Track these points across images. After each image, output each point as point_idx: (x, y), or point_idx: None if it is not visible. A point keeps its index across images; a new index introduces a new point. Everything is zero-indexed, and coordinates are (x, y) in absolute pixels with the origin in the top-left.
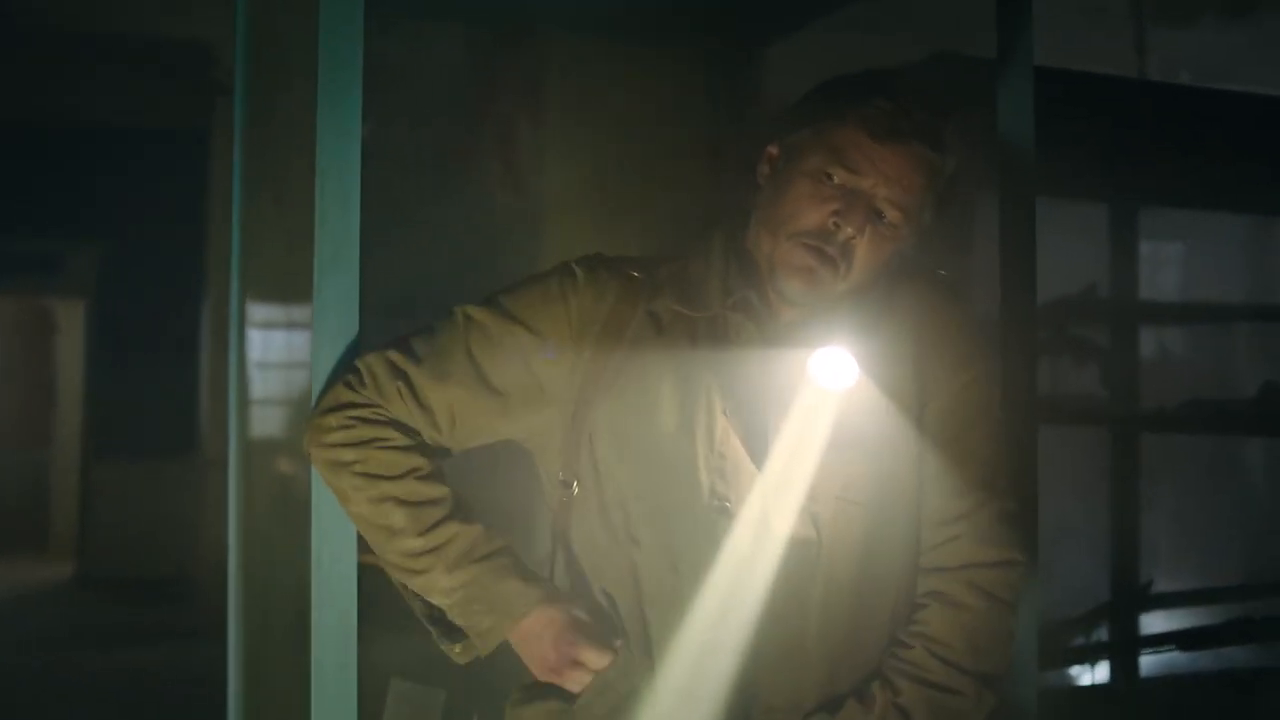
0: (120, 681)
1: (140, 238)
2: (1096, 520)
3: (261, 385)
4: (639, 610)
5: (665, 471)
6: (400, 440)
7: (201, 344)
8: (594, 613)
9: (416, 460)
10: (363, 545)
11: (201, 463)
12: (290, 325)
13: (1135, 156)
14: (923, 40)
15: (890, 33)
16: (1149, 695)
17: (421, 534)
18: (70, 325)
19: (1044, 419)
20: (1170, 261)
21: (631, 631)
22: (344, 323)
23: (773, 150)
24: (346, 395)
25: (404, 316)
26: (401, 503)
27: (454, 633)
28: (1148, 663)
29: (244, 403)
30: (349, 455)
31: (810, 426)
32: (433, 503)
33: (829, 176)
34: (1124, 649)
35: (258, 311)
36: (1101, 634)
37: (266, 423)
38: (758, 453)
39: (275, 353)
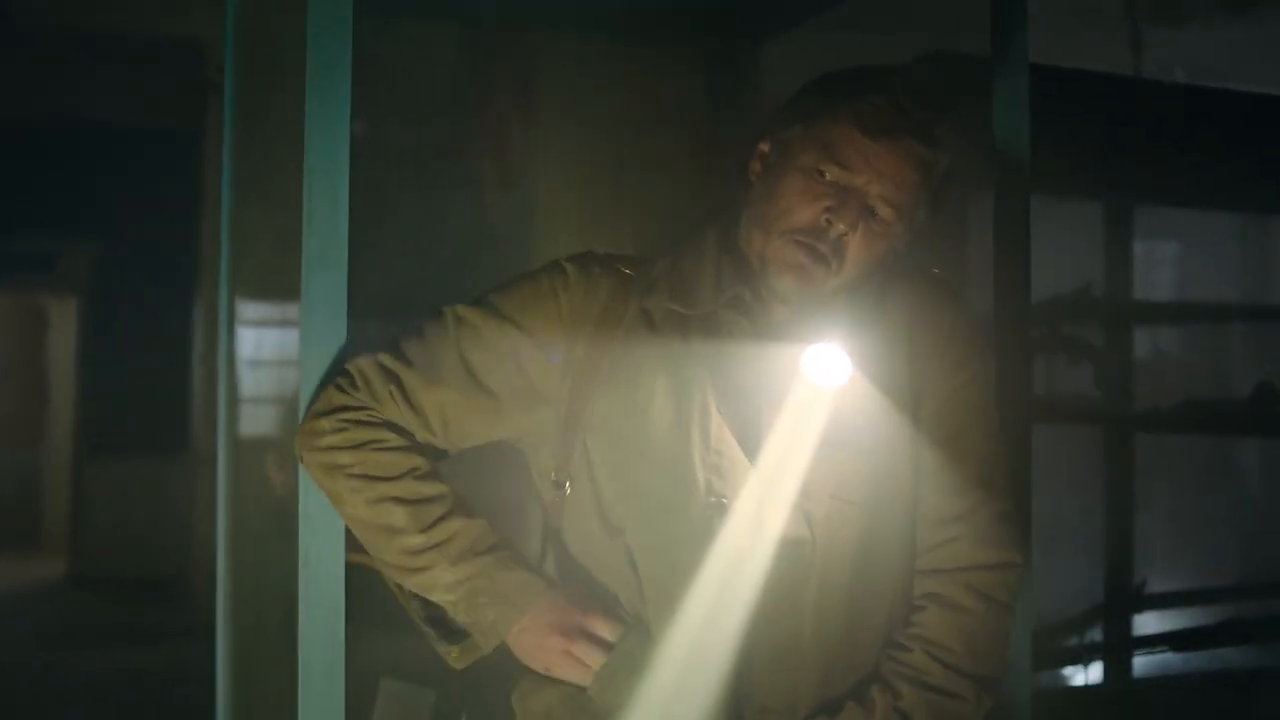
0: (111, 680)
1: (135, 236)
2: (1090, 520)
3: (250, 384)
4: (637, 607)
5: (661, 469)
6: (396, 441)
7: (195, 342)
8: (594, 599)
9: (414, 460)
10: (351, 544)
11: (194, 461)
12: (278, 324)
13: (1130, 155)
14: (919, 38)
15: (887, 31)
16: (1143, 696)
17: (423, 530)
18: (63, 322)
19: (1038, 418)
20: (1165, 260)
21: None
22: (332, 322)
23: (764, 147)
24: (339, 398)
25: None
26: (401, 501)
27: (453, 634)
28: (1142, 663)
29: (233, 401)
30: (345, 458)
31: (804, 424)
32: (433, 500)
33: (821, 173)
34: (1118, 650)
35: (247, 310)
36: (1095, 635)
37: (256, 421)
38: (752, 450)
39: (264, 352)
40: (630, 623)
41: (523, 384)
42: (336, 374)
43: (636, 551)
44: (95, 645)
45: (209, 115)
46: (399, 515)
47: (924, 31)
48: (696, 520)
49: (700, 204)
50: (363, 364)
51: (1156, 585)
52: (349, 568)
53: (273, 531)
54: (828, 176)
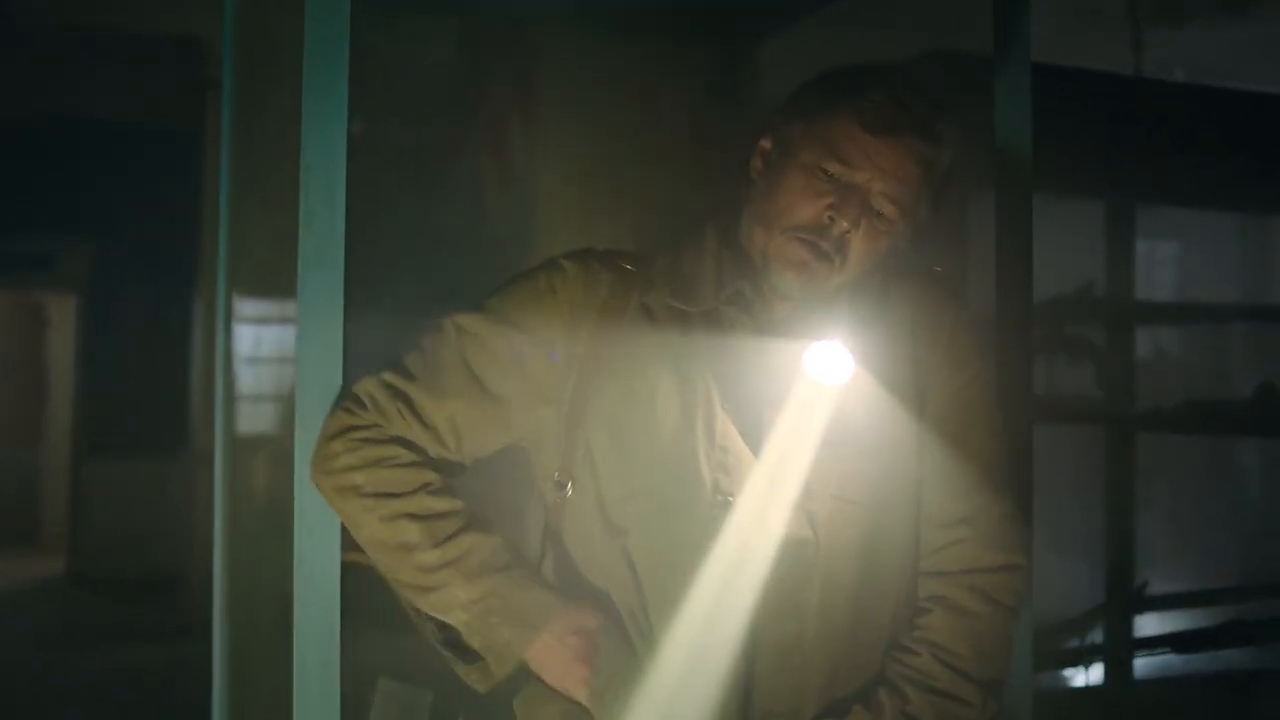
0: (108, 679)
1: (134, 235)
2: (1091, 521)
3: (247, 382)
4: (639, 609)
5: (665, 467)
6: (408, 457)
7: (194, 341)
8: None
9: (427, 475)
10: (346, 543)
11: (193, 460)
12: (277, 322)
13: (1133, 154)
14: (921, 36)
15: (888, 29)
16: (1144, 698)
17: (438, 545)
18: (62, 321)
19: (1039, 418)
20: (1167, 260)
21: (631, 631)
22: (328, 320)
23: (765, 144)
24: (348, 420)
25: (394, 314)
26: (415, 518)
27: (470, 655)
28: (1143, 665)
29: (230, 400)
30: (358, 478)
31: (806, 423)
32: (447, 515)
33: (823, 170)
34: (1119, 651)
35: (245, 308)
36: (1097, 636)
37: (252, 420)
38: (757, 448)
39: (261, 350)
40: (613, 636)
41: (527, 386)
42: (344, 398)
43: (638, 552)
44: (93, 644)
45: (208, 114)
46: (413, 531)
47: (925, 30)
48: (702, 519)
49: (700, 201)
50: (368, 385)
51: (1158, 586)
52: (344, 567)
53: (269, 530)
54: (829, 173)
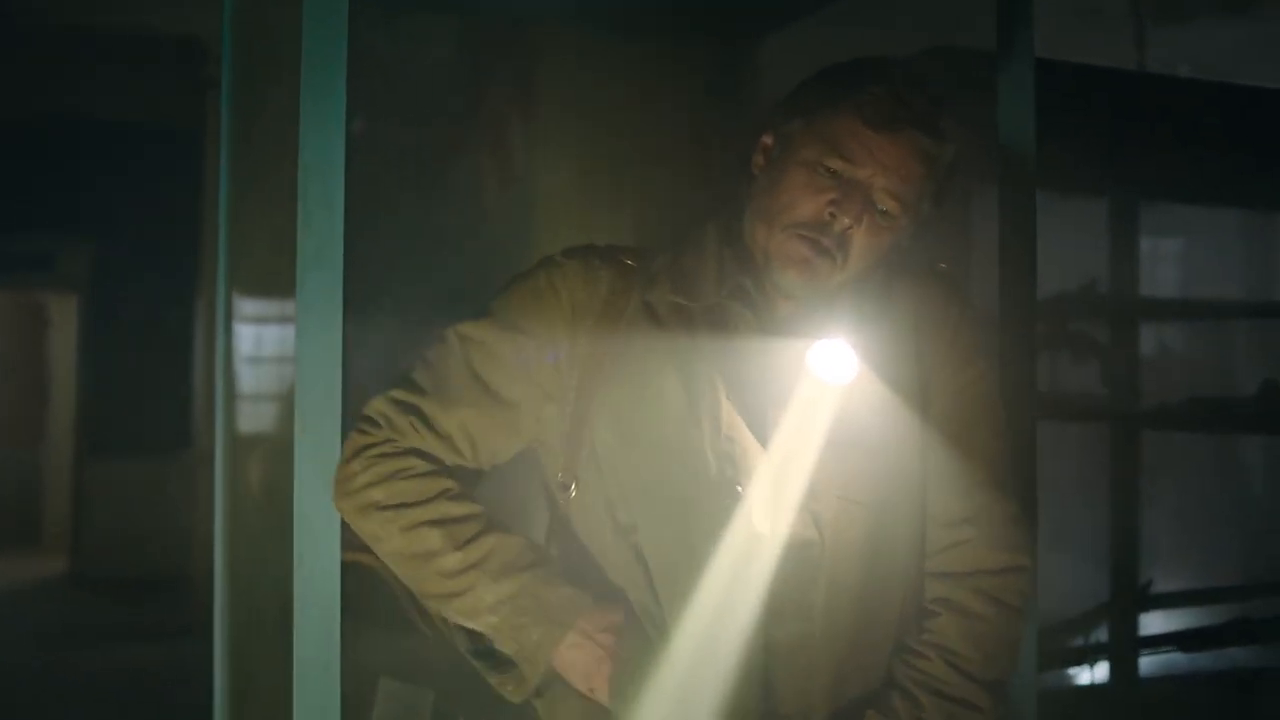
0: (109, 679)
1: (135, 235)
2: (1096, 518)
3: (247, 382)
4: (653, 605)
5: (672, 460)
6: (424, 467)
7: (195, 341)
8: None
9: (444, 483)
10: (346, 542)
11: (194, 460)
12: (277, 321)
13: (1137, 149)
14: (923, 32)
15: (890, 26)
16: (1149, 696)
17: (459, 548)
18: (63, 320)
19: (1043, 416)
20: (1172, 256)
21: (648, 628)
22: (327, 319)
23: (767, 140)
24: (363, 440)
25: (393, 313)
26: (435, 524)
27: (503, 664)
28: (1147, 663)
29: (230, 399)
30: (377, 494)
31: (810, 423)
32: (467, 519)
33: (824, 166)
34: (1123, 649)
35: (245, 308)
36: (1101, 634)
37: (252, 419)
38: (762, 441)
39: (262, 350)
40: (634, 633)
41: (534, 387)
42: (357, 421)
43: (649, 547)
44: (93, 644)
45: (208, 114)
46: (434, 538)
47: (927, 26)
48: (711, 510)
49: (701, 200)
50: (378, 404)
51: (1162, 584)
52: (344, 566)
53: (269, 529)
54: (831, 170)
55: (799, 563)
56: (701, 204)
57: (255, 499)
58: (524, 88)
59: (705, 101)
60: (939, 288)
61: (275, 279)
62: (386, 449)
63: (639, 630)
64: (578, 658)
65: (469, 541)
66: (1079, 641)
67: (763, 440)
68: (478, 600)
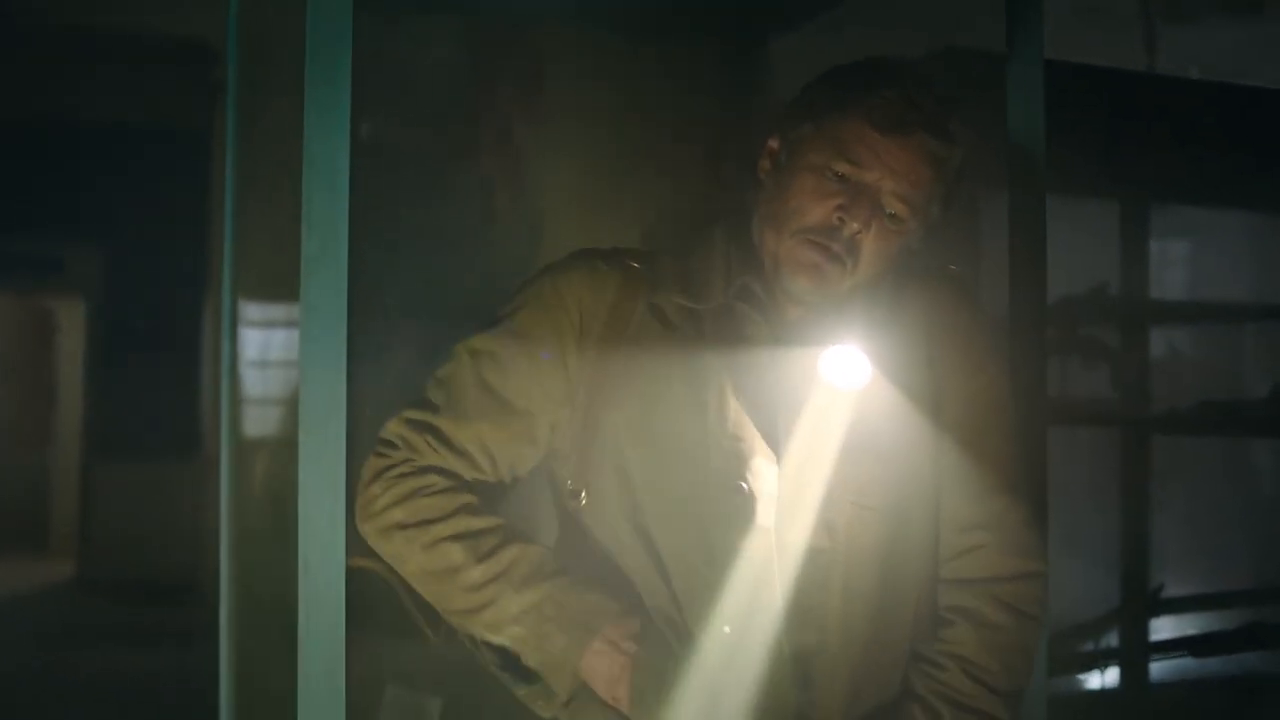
0: (114, 682)
1: (140, 238)
2: (1107, 523)
3: (252, 386)
4: (672, 609)
5: (683, 462)
6: (443, 484)
7: (202, 344)
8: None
9: (464, 498)
10: (352, 548)
11: (201, 463)
12: (283, 325)
13: (1149, 152)
14: (931, 34)
15: (897, 27)
16: (1160, 701)
17: (481, 560)
18: (69, 324)
19: (1053, 420)
20: (1184, 259)
21: (667, 633)
22: (331, 322)
23: (773, 144)
24: (381, 463)
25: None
26: (456, 538)
27: (530, 676)
28: (1158, 668)
29: (235, 403)
30: (398, 514)
31: (822, 429)
32: (487, 532)
33: (832, 171)
34: (1134, 654)
35: (250, 311)
36: (1112, 639)
37: (257, 423)
38: (772, 443)
39: (268, 353)
40: (657, 639)
41: (546, 395)
42: (374, 444)
43: (665, 550)
44: (99, 648)
45: (214, 115)
46: (456, 552)
47: (936, 27)
48: (722, 510)
49: (706, 204)
50: (394, 426)
51: (1173, 589)
52: (350, 573)
53: (275, 534)
54: (839, 174)
55: (813, 570)
56: (706, 208)
57: (260, 503)
58: (529, 90)
59: (711, 103)
60: (950, 292)
61: (279, 282)
62: (405, 469)
63: (659, 637)
64: (602, 665)
65: (490, 554)
66: (1090, 647)
67: (773, 445)
68: (502, 611)
